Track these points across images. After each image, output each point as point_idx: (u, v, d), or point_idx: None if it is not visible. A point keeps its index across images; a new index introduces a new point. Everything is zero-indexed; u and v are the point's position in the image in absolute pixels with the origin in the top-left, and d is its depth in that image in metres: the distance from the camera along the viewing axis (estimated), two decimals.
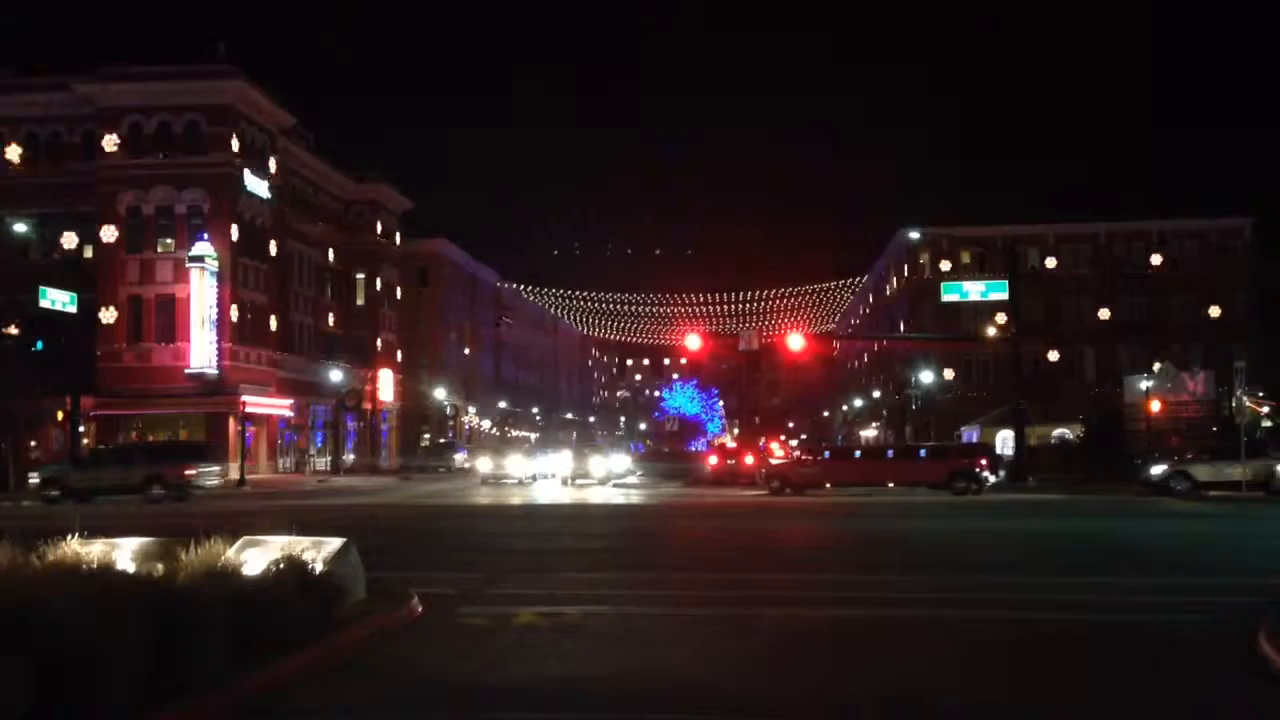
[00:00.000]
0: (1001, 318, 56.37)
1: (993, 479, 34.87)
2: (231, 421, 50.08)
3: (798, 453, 56.88)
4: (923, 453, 37.51)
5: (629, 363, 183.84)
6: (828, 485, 35.57)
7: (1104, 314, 69.16)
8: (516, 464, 48.59)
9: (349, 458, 63.64)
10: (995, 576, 15.10)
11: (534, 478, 47.87)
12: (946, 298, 50.95)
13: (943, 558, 17.59)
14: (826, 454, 39.67)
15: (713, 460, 47.36)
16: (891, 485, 34.99)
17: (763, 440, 76.83)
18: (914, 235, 65.86)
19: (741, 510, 30.03)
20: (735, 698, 8.31)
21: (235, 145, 51.29)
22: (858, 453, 39.34)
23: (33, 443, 51.30)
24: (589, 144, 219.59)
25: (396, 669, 9.25)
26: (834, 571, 15.89)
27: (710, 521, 26.77)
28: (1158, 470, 33.63)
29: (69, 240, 50.25)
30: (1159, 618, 11.49)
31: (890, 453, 38.60)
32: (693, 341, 56.56)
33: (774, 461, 45.67)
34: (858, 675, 9.01)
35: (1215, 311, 67.30)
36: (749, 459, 46.12)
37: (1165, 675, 9.05)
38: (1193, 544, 19.60)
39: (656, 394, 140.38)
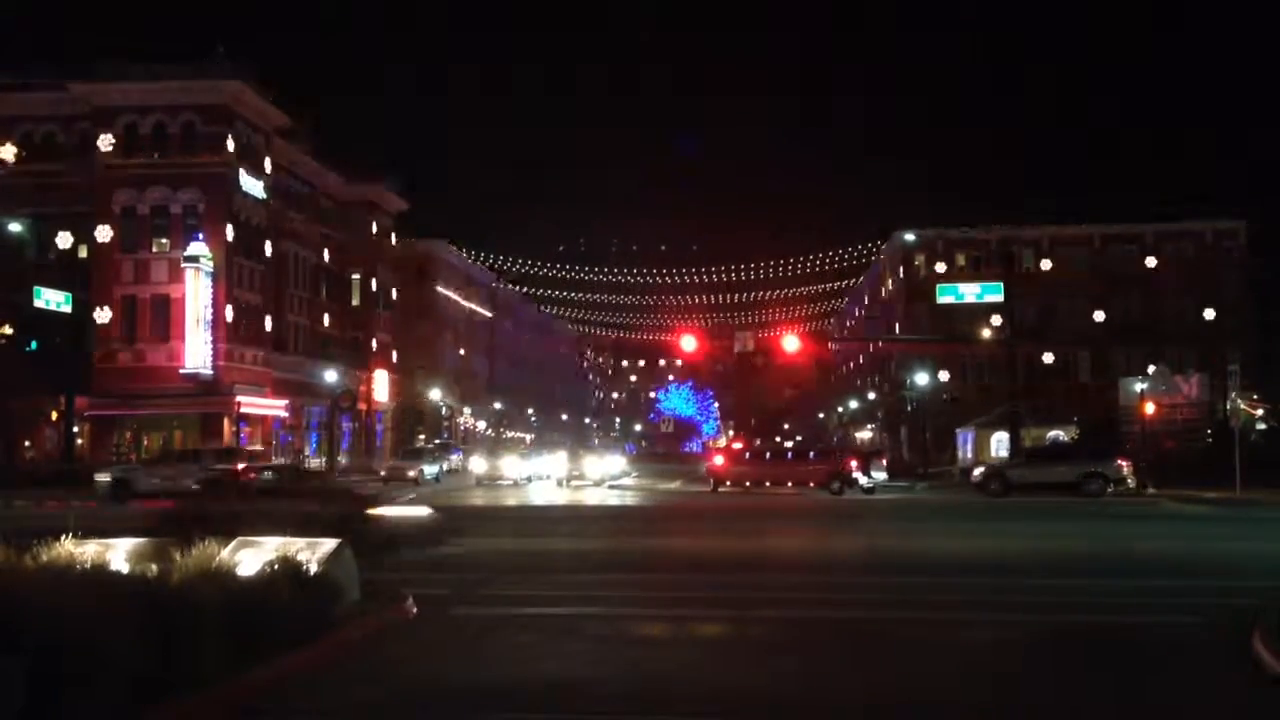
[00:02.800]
0: (997, 320, 56.49)
1: (864, 480, 37.37)
2: (226, 422, 50.03)
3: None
4: (812, 454, 40.62)
5: (625, 364, 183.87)
6: (747, 484, 38.37)
7: (1099, 316, 69.22)
8: (512, 465, 48.61)
9: (343, 459, 63.55)
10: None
11: (529, 479, 47.86)
12: (942, 299, 51.08)
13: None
14: (747, 455, 42.73)
15: (719, 460, 47.76)
16: (790, 485, 37.66)
17: (757, 441, 76.93)
18: (909, 237, 65.97)
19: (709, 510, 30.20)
20: (731, 699, 8.32)
21: (231, 145, 51.23)
22: (768, 454, 41.95)
23: (27, 442, 51.24)
24: (587, 146, 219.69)
25: (391, 669, 9.25)
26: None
27: (701, 524, 26.83)
28: (977, 472, 37.15)
29: (64, 240, 50.10)
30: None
31: (790, 455, 41.30)
32: (688, 343, 56.51)
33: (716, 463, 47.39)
34: (848, 673, 9.04)
35: (1210, 314, 67.34)
36: None
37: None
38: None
39: (652, 395, 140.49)
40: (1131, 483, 35.20)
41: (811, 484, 36.97)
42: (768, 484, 38.30)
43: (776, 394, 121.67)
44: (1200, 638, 10.60)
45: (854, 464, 38.03)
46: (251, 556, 10.59)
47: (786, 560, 18.62)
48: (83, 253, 50.71)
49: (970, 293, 49.66)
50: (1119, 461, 35.54)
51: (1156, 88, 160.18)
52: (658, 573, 16.32)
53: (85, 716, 6.69)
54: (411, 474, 47.93)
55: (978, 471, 37.57)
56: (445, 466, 54.43)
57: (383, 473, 49.74)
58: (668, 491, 41.26)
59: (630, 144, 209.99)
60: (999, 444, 49.83)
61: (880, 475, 40.06)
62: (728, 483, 39.00)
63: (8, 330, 44.41)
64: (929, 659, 9.73)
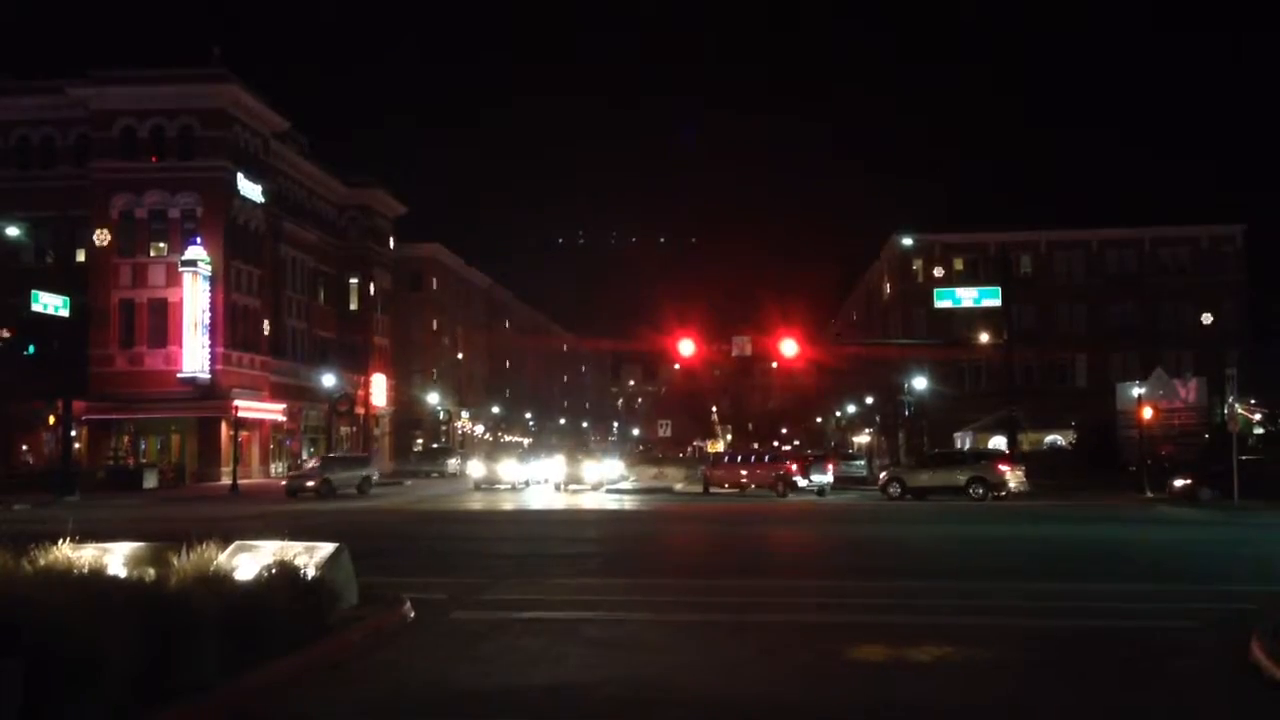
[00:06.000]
0: (995, 324, 56.46)
1: (804, 483, 40.32)
2: (224, 426, 49.94)
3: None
4: (767, 459, 44.15)
5: (622, 367, 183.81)
6: (726, 485, 41.42)
7: (1096, 321, 69.26)
8: (509, 469, 48.50)
9: None
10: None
11: (527, 483, 47.75)
12: (940, 304, 50.97)
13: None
14: (726, 460, 46.78)
15: (709, 465, 48.26)
16: (753, 486, 40.69)
17: (755, 445, 76.90)
18: (907, 241, 65.98)
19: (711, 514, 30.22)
20: (726, 702, 8.32)
21: (228, 149, 51.23)
22: (740, 458, 44.90)
23: (24, 446, 51.16)
24: (587, 148, 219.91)
25: (388, 674, 9.24)
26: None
27: (696, 526, 26.84)
28: (882, 476, 40.00)
29: (62, 244, 50.12)
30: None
31: (752, 459, 44.23)
32: (686, 347, 56.44)
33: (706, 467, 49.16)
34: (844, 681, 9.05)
35: (1207, 318, 67.35)
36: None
37: None
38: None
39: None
40: (1014, 486, 35.83)
41: (766, 486, 40.21)
42: (740, 486, 41.01)
43: (775, 398, 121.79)
44: (1198, 642, 10.59)
45: (794, 468, 41.00)
46: (249, 560, 10.60)
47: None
48: (80, 257, 50.71)
49: (968, 297, 49.59)
50: (1000, 467, 36.60)
51: (1155, 91, 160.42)
52: (654, 577, 16.34)
53: (83, 719, 6.69)
54: (311, 483, 40.46)
55: (882, 476, 39.93)
56: (374, 474, 45.14)
57: (284, 482, 43.45)
58: (662, 495, 41.44)
59: (630, 145, 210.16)
60: (997, 448, 49.78)
61: (825, 478, 41.76)
62: (712, 486, 41.59)
63: (5, 334, 44.36)
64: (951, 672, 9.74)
